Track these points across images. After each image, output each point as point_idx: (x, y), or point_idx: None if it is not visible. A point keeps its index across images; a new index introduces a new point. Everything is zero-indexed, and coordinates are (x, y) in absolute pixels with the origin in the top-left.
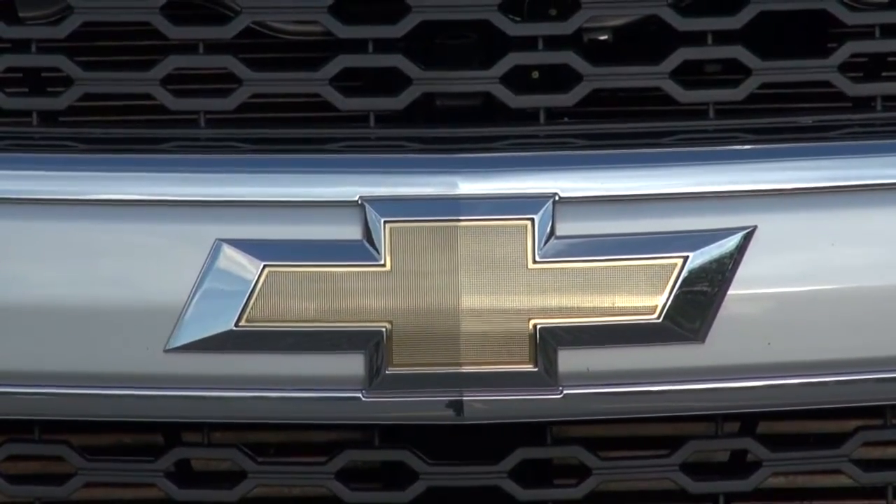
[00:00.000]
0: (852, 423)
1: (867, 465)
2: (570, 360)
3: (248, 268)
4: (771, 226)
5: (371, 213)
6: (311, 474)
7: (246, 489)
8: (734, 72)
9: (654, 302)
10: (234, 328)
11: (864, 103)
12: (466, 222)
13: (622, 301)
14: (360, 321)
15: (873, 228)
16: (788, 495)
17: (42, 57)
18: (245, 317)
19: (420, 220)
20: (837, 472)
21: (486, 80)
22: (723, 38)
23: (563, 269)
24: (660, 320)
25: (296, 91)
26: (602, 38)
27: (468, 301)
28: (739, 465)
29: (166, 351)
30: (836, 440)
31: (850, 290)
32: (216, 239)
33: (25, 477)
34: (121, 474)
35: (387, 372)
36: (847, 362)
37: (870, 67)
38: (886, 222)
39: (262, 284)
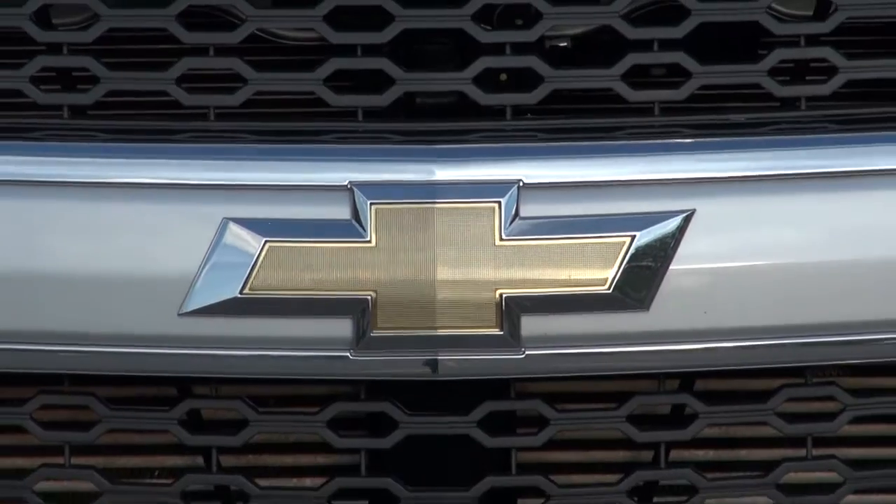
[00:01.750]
0: (777, 382)
1: (791, 417)
2: (531, 325)
3: (251, 243)
4: (708, 209)
5: (359, 196)
6: (305, 423)
7: (248, 436)
8: (677, 74)
9: (605, 275)
10: (239, 295)
11: (790, 103)
12: (442, 204)
13: (577, 274)
14: (348, 290)
15: (797, 212)
16: (722, 444)
17: (72, 58)
18: (248, 285)
19: (401, 202)
20: (764, 423)
21: (459, 81)
22: (667, 45)
23: (526, 245)
24: (610, 291)
25: (294, 89)
26: (562, 44)
27: (443, 273)
28: (679, 417)
29: (180, 315)
30: (763, 396)
31: (776, 266)
32: (223, 217)
33: (56, 423)
34: (139, 422)
35: (371, 334)
36: (773, 329)
37: (796, 71)
38: (808, 207)
39: (264, 257)
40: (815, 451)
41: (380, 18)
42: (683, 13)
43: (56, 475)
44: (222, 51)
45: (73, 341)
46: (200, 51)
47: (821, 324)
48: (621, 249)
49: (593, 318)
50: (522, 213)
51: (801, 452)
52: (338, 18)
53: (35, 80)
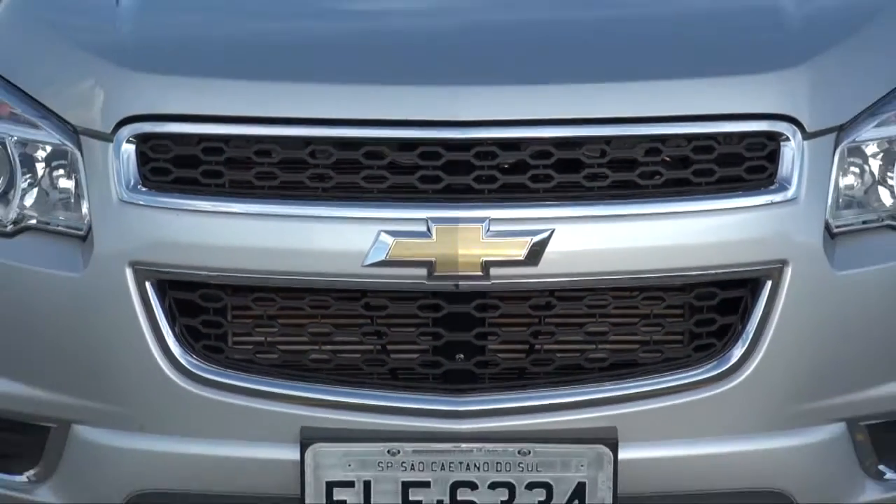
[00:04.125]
0: (584, 294)
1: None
2: (494, 271)
3: (389, 239)
4: (561, 229)
5: (430, 222)
6: (408, 305)
7: (387, 313)
8: (549, 178)
9: (521, 253)
10: (384, 258)
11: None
12: (461, 225)
13: (510, 252)
14: (424, 257)
15: (593, 230)
16: (559, 317)
17: (321, 170)
18: (388, 255)
19: (445, 225)
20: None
21: (467, 178)
22: (546, 167)
23: (492, 241)
24: (523, 258)
25: (405, 182)
26: (506, 166)
27: (461, 252)
28: (548, 306)
29: (362, 266)
30: (581, 298)
31: (588, 249)
32: (378, 230)
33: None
34: (344, 305)
35: (434, 274)
36: (588, 273)
37: (595, 175)
38: (599, 230)
39: (393, 245)
40: (619, 330)
41: (435, 153)
42: (550, 154)
43: (296, 333)
44: (380, 167)
45: (323, 277)
46: (371, 166)
47: (612, 271)
48: (527, 243)
49: (515, 268)
50: (491, 229)
51: (605, 328)
52: (424, 153)
53: (313, 177)
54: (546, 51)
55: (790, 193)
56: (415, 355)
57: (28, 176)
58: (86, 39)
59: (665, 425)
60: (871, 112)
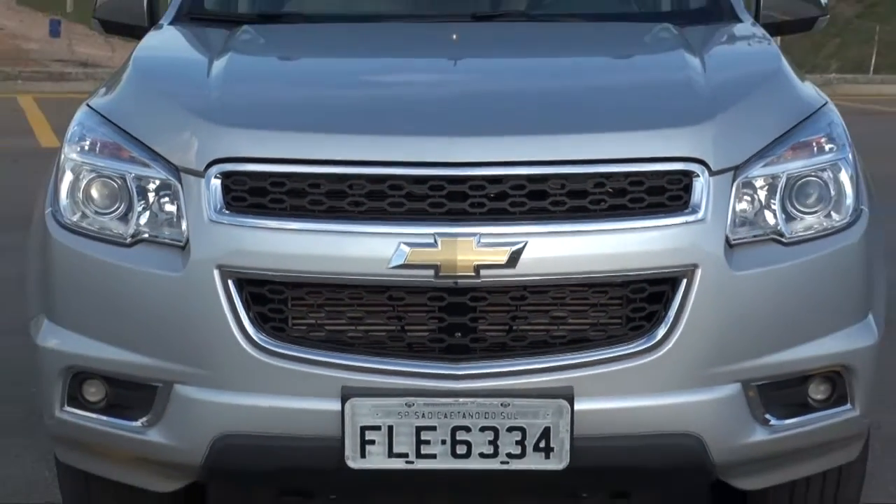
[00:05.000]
0: (550, 288)
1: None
2: (485, 272)
3: (406, 249)
4: (532, 242)
5: (437, 236)
6: (420, 294)
7: (403, 299)
8: (523, 204)
9: (503, 259)
10: (402, 262)
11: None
12: (459, 239)
13: (494, 258)
14: (433, 262)
15: (553, 241)
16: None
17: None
18: (406, 260)
19: (448, 238)
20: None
21: (464, 204)
22: (521, 195)
23: (482, 250)
24: (504, 263)
25: (420, 208)
26: (492, 195)
27: (460, 257)
28: (522, 296)
29: (387, 268)
30: (545, 291)
31: (551, 255)
32: (399, 242)
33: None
34: (371, 296)
35: (439, 274)
36: (554, 273)
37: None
38: (558, 242)
39: (410, 253)
40: (574, 315)
41: (442, 188)
42: (524, 187)
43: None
44: (400, 196)
45: (358, 276)
46: (393, 195)
47: (570, 272)
48: (507, 252)
49: (498, 270)
50: (482, 242)
51: (564, 314)
52: (431, 185)
53: (351, 203)
54: (520, 110)
55: (700, 215)
56: (425, 333)
57: (142, 202)
58: (185, 102)
59: (609, 385)
60: (759, 156)
